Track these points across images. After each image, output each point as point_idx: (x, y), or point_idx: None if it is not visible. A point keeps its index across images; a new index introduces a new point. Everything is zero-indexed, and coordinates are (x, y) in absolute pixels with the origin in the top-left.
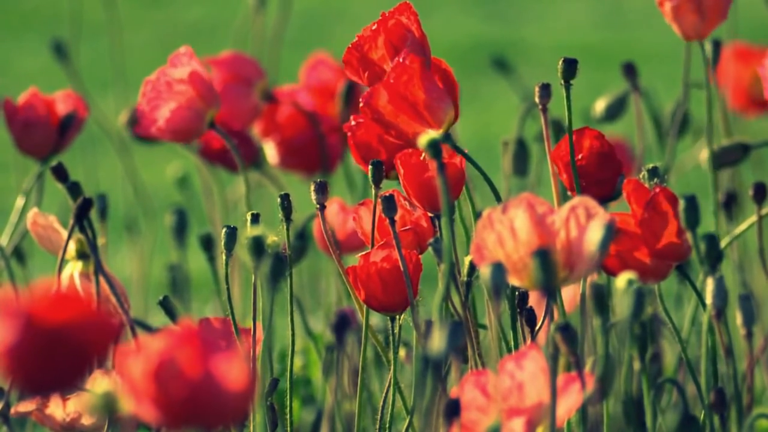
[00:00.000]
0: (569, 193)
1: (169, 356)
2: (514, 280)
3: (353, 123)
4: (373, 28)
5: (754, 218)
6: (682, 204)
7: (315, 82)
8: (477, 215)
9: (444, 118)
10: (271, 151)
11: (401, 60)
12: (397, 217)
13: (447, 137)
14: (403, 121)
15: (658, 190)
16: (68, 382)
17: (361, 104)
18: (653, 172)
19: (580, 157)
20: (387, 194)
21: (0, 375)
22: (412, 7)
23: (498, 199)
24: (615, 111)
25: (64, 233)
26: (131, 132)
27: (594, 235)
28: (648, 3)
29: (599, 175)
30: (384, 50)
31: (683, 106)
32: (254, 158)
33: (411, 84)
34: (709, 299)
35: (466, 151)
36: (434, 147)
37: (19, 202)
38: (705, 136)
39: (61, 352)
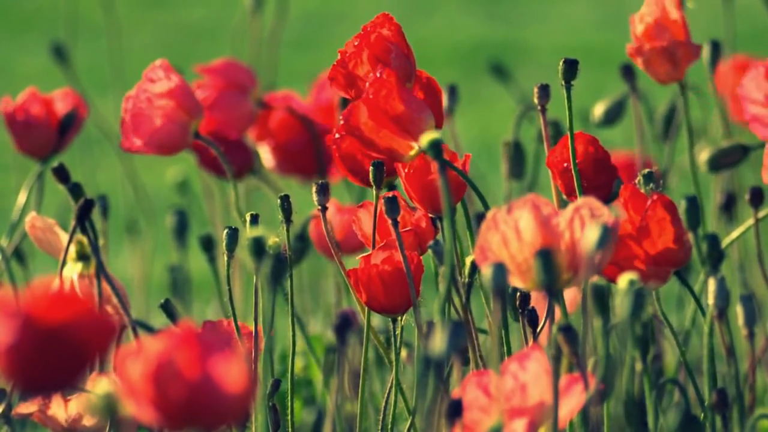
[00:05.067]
0: (565, 197)
1: (168, 358)
2: (517, 282)
3: (337, 135)
4: (356, 43)
5: (751, 221)
6: (683, 205)
7: (324, 102)
8: (477, 216)
9: (425, 129)
10: (266, 156)
11: (378, 74)
12: (398, 218)
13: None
14: (384, 136)
15: (655, 197)
16: (66, 382)
17: (340, 122)
18: (648, 177)
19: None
20: (389, 195)
21: (1, 376)
22: (392, 17)
23: (485, 206)
24: (613, 115)
25: (63, 235)
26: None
27: (591, 235)
28: None
29: (595, 180)
30: (369, 66)
31: (683, 107)
32: (250, 164)
33: (390, 98)
34: (710, 300)
35: (460, 161)
36: (436, 147)
37: (20, 201)
38: (689, 137)
39: (58, 352)
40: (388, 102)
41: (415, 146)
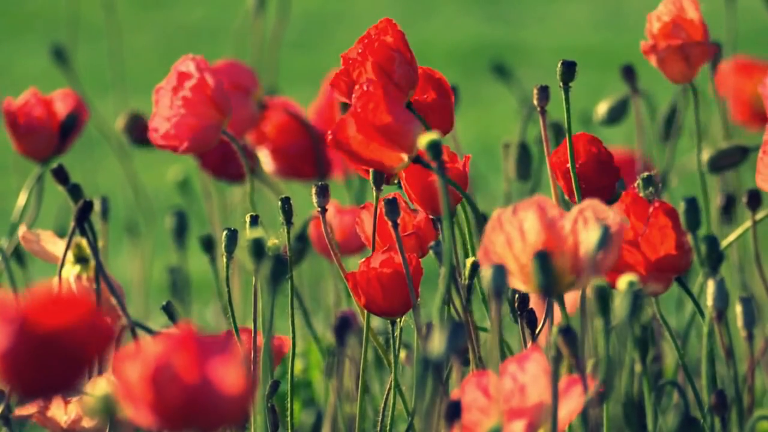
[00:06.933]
0: (567, 198)
1: (166, 360)
2: (520, 284)
3: None
4: (360, 51)
5: (748, 224)
6: (682, 206)
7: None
8: (480, 217)
9: (414, 140)
10: (265, 159)
11: (365, 88)
12: (398, 220)
13: (418, 158)
14: (374, 149)
15: (657, 205)
16: (64, 386)
17: (329, 139)
18: (648, 181)
19: (579, 164)
20: (389, 197)
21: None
22: (395, 23)
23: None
24: (617, 114)
25: (53, 243)
26: (132, 139)
27: (592, 236)
28: (649, 5)
29: (598, 181)
30: (373, 75)
31: (682, 108)
32: (252, 166)
33: (378, 110)
34: (709, 301)
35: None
36: (434, 147)
37: (20, 203)
38: (698, 139)
39: (55, 356)
40: (377, 115)
41: (405, 158)
